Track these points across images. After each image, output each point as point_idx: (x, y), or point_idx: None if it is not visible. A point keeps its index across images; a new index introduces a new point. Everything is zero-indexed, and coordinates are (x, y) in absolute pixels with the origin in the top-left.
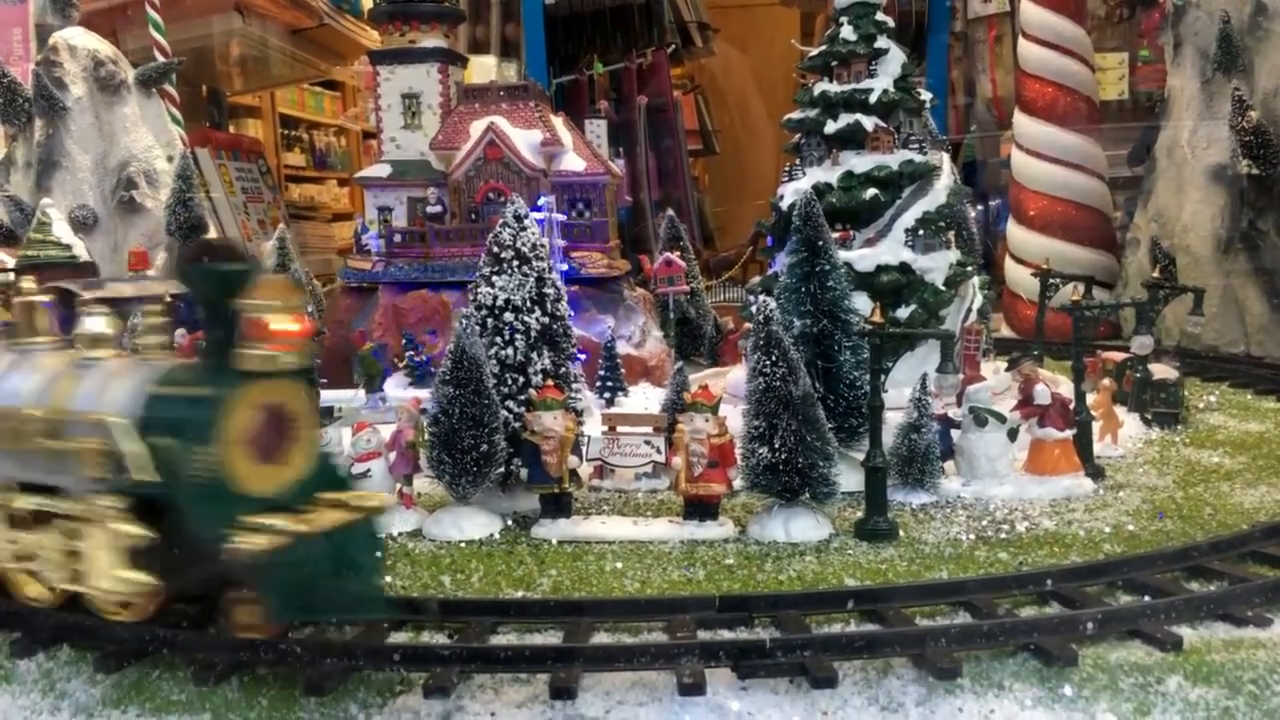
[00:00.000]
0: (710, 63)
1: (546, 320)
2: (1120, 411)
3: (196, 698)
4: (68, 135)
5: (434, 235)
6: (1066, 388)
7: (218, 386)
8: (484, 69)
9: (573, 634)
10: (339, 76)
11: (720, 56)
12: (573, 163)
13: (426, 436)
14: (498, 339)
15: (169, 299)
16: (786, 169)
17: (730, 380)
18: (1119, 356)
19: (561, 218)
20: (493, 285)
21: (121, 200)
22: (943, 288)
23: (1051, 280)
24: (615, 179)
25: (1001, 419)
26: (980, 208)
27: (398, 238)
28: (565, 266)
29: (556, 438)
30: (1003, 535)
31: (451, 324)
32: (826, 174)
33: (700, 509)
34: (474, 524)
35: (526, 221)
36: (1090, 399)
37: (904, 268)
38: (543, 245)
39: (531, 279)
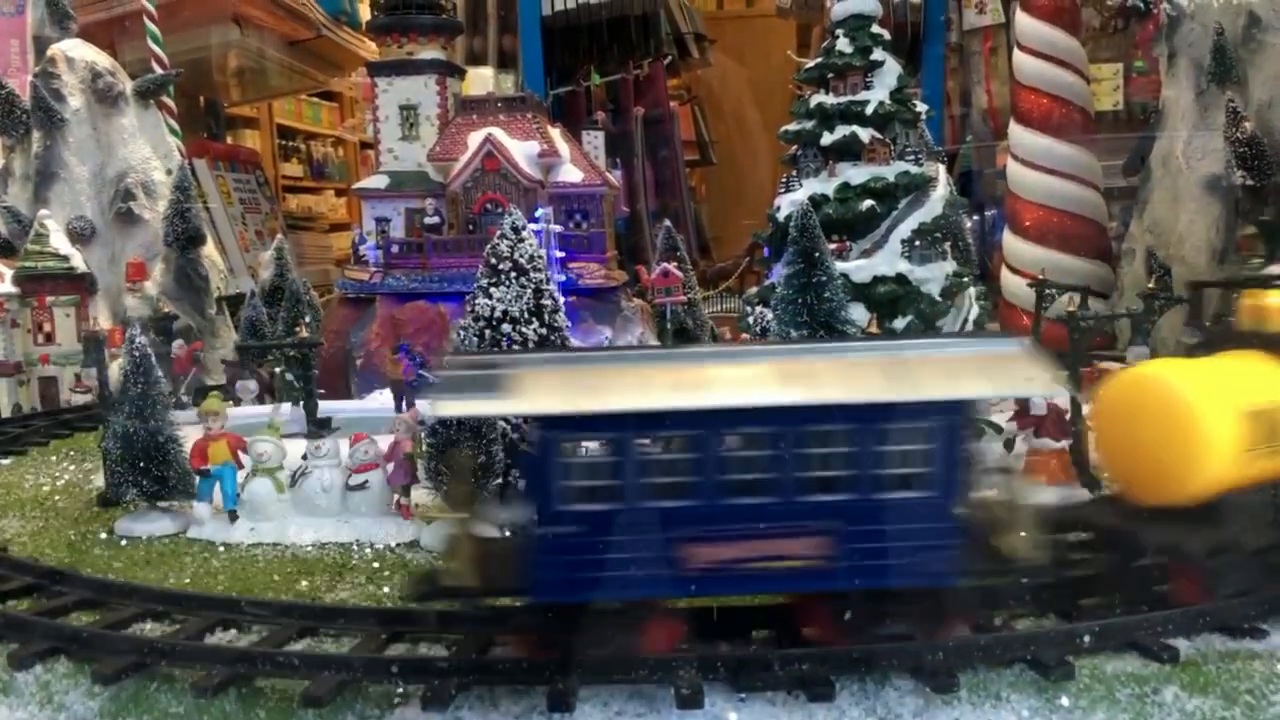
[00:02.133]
0: (707, 73)
1: (544, 331)
2: None
3: (195, 710)
4: (65, 147)
5: (431, 246)
6: (1063, 398)
7: None
8: (481, 80)
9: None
10: (336, 87)
11: (717, 67)
12: (570, 174)
13: (424, 448)
14: (495, 350)
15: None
16: (783, 180)
17: None
18: (1115, 367)
19: (559, 229)
20: (490, 297)
21: (119, 212)
22: (939, 298)
23: (1047, 291)
24: (612, 190)
25: (998, 430)
26: (976, 218)
27: (395, 248)
28: (563, 277)
29: None
30: None
31: (449, 335)
32: (823, 185)
33: None
34: None
35: (524, 233)
36: (1086, 409)
37: (900, 279)
38: (540, 256)
39: (529, 290)
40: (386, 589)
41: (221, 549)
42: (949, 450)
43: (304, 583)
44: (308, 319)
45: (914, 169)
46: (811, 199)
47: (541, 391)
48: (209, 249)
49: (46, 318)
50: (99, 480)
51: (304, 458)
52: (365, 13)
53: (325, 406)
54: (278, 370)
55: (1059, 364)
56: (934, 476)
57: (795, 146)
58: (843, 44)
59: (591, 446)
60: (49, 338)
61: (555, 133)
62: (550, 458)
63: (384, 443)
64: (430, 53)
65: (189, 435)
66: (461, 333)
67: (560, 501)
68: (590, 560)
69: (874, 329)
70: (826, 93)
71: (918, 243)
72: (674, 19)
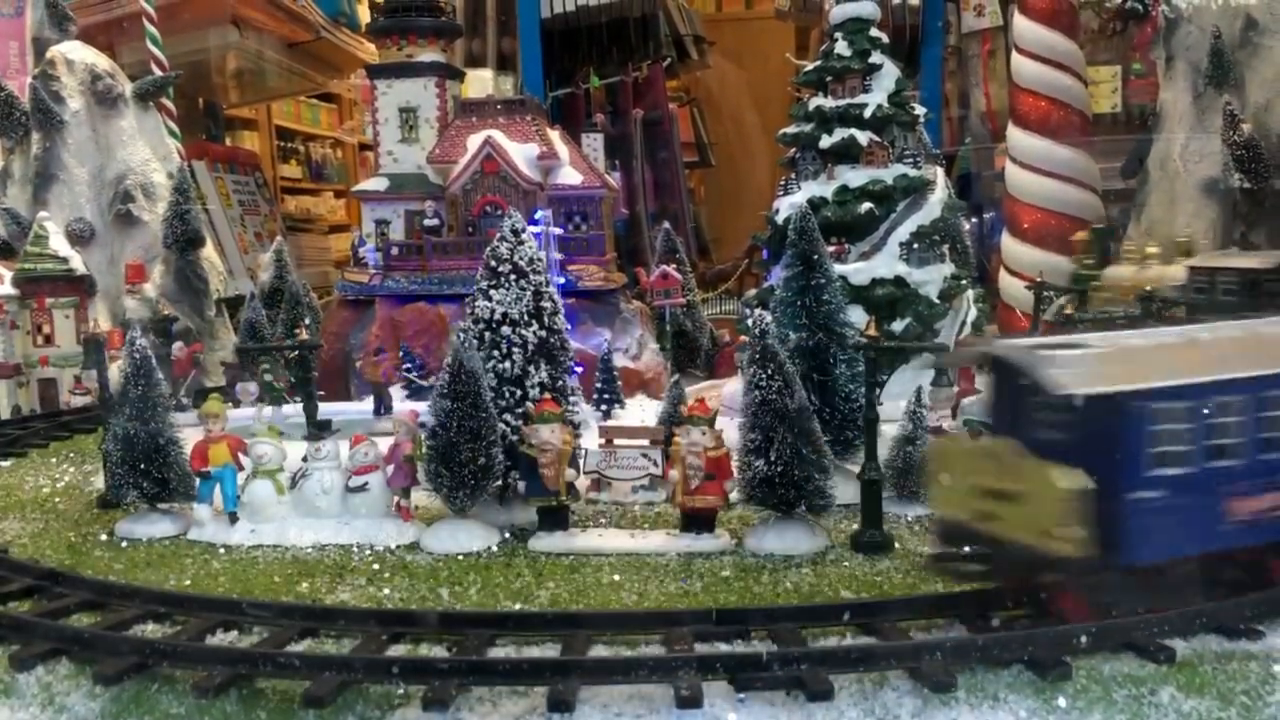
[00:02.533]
0: (706, 76)
1: (544, 334)
2: None
3: (196, 710)
4: (65, 149)
5: (431, 248)
6: None
7: None
8: (481, 83)
9: (570, 647)
10: (335, 89)
11: (716, 69)
12: (569, 176)
13: (425, 449)
14: (495, 352)
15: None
16: (782, 183)
17: (726, 393)
18: None
19: (558, 231)
20: (490, 299)
21: (118, 213)
22: (937, 301)
23: (1046, 293)
24: (611, 192)
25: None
26: (975, 221)
27: (395, 251)
28: (562, 280)
29: (554, 450)
30: None
31: (449, 337)
32: (822, 188)
33: (697, 521)
34: (472, 537)
35: (524, 235)
36: None
37: (899, 281)
38: (540, 259)
39: (529, 292)
40: (387, 590)
41: (222, 551)
42: None
43: (304, 584)
44: (307, 321)
45: (912, 172)
46: (810, 201)
47: (1147, 365)
48: (208, 251)
49: (46, 319)
50: (99, 482)
51: (304, 460)
52: (364, 15)
53: (322, 409)
54: (263, 371)
55: None
56: None
57: (794, 149)
58: (841, 47)
59: (1180, 414)
60: (48, 339)
61: (554, 135)
62: (1142, 426)
63: (384, 444)
64: (430, 55)
65: (189, 437)
66: (461, 335)
67: (1148, 467)
68: (1172, 521)
69: (873, 331)
70: (825, 95)
71: (916, 245)
72: (673, 21)
